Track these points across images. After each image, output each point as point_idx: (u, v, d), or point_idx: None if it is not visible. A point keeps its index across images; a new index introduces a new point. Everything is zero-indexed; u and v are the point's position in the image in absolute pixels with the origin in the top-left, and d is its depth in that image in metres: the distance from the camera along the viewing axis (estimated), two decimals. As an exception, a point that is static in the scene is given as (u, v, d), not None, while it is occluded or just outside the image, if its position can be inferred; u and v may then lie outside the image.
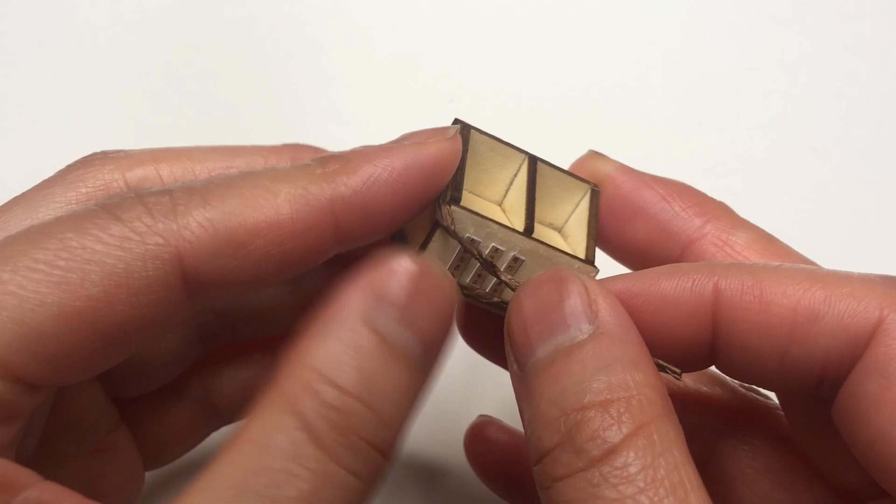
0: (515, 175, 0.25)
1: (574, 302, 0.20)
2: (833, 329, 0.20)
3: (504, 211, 0.25)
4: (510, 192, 0.25)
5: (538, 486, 0.20)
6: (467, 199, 0.24)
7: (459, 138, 0.23)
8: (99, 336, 0.19)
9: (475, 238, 0.23)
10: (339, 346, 0.19)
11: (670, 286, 0.21)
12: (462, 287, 0.23)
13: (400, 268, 0.20)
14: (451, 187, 0.22)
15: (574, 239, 0.25)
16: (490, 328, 0.25)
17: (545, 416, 0.20)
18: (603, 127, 0.43)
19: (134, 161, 0.24)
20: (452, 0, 0.46)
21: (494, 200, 0.25)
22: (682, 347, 0.22)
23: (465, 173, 0.23)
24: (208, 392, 0.29)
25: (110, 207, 0.20)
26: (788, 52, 0.45)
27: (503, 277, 0.23)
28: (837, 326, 0.20)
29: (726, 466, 0.25)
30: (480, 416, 0.30)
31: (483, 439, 0.29)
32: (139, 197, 0.20)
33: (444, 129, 0.23)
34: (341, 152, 0.22)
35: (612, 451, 0.18)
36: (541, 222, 0.25)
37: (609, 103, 0.44)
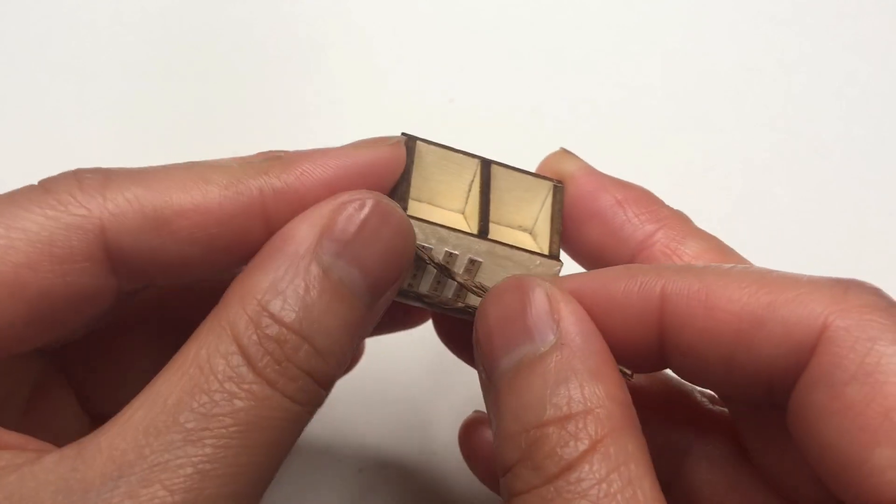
0: (472, 182, 0.25)
1: (536, 311, 0.20)
2: (777, 336, 0.19)
3: (466, 219, 0.25)
4: (470, 199, 0.25)
5: (503, 498, 0.20)
6: (423, 209, 0.24)
7: (401, 147, 0.23)
8: (25, 304, 0.20)
9: (426, 245, 0.23)
10: (282, 277, 0.20)
11: (619, 288, 0.21)
12: (423, 297, 0.23)
13: (351, 204, 0.21)
14: (396, 197, 0.23)
15: (543, 238, 0.25)
16: (462, 329, 0.25)
17: (508, 430, 0.20)
18: (603, 127, 0.43)
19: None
20: (452, 0, 0.46)
21: (456, 209, 0.25)
22: (632, 349, 0.21)
23: (422, 185, 0.24)
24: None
25: (45, 181, 0.21)
26: (788, 52, 0.45)
27: (459, 279, 0.23)
28: (781, 334, 0.19)
29: (694, 486, 0.25)
30: (475, 411, 0.30)
31: (477, 435, 0.29)
32: (75, 173, 0.21)
33: (386, 137, 0.24)
34: (286, 151, 0.23)
35: (567, 467, 0.18)
36: (509, 225, 0.25)
37: (609, 103, 0.44)
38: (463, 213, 0.26)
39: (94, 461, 0.18)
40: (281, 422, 0.19)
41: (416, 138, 0.24)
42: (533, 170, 0.27)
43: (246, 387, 0.19)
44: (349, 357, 0.21)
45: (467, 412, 0.31)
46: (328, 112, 0.43)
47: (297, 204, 0.22)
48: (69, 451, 0.19)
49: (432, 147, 0.25)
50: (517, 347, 0.20)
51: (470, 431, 0.30)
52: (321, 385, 0.20)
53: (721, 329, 0.20)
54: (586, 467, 0.18)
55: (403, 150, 0.24)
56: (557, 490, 0.18)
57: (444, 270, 0.23)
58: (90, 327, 0.27)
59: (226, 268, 0.23)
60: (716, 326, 0.20)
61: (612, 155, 0.43)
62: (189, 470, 0.18)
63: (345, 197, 0.21)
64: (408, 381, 0.36)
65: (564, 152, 0.26)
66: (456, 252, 0.23)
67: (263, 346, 0.19)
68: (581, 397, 0.19)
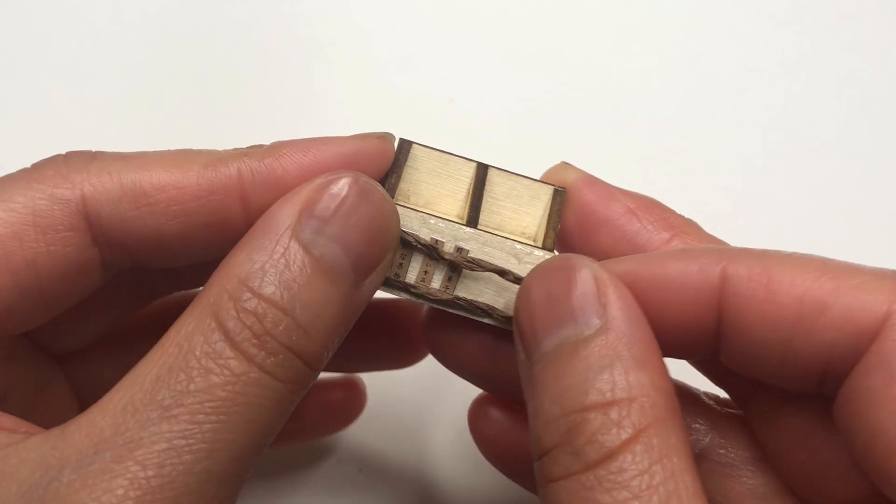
0: (470, 186, 0.25)
1: (583, 293, 0.20)
2: (839, 321, 0.19)
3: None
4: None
5: (537, 483, 0.20)
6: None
7: (388, 141, 0.23)
8: (11, 273, 0.21)
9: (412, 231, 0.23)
10: (264, 256, 0.20)
11: (677, 269, 0.21)
12: (409, 287, 0.23)
13: (329, 182, 0.21)
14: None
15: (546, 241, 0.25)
16: (453, 344, 0.25)
17: (547, 414, 0.19)
18: (603, 127, 0.43)
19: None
20: (452, 0, 0.46)
21: (454, 214, 0.25)
22: (686, 333, 0.21)
23: (420, 190, 0.24)
24: None
25: (36, 163, 0.22)
26: (788, 52, 0.45)
27: (447, 255, 0.23)
28: (844, 319, 0.19)
29: (711, 493, 0.24)
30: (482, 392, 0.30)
31: (487, 415, 0.28)
32: (65, 154, 0.22)
33: (375, 132, 0.24)
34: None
35: (609, 455, 0.18)
36: (511, 232, 0.25)
37: (609, 103, 0.44)
38: (461, 217, 0.26)
39: (73, 439, 0.18)
40: (259, 398, 0.19)
41: (413, 142, 0.24)
42: (533, 175, 0.26)
43: (222, 362, 0.19)
44: (338, 337, 0.21)
45: (466, 412, 0.31)
46: (328, 112, 0.43)
47: (275, 185, 0.22)
48: (54, 431, 0.19)
49: (429, 151, 0.25)
50: (560, 329, 0.20)
51: (479, 411, 0.29)
52: (307, 363, 0.20)
53: (782, 312, 0.20)
54: (629, 457, 0.18)
55: (391, 145, 0.24)
56: (598, 479, 0.18)
57: (431, 249, 0.23)
58: (99, 327, 0.27)
59: (203, 248, 0.23)
60: (777, 310, 0.20)
61: (613, 155, 0.43)
62: (163, 445, 0.18)
63: (323, 177, 0.21)
64: (408, 381, 0.36)
65: (565, 164, 0.26)
66: (443, 240, 0.23)
67: (242, 320, 0.19)
68: (626, 384, 0.19)
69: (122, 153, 0.23)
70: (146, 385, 0.19)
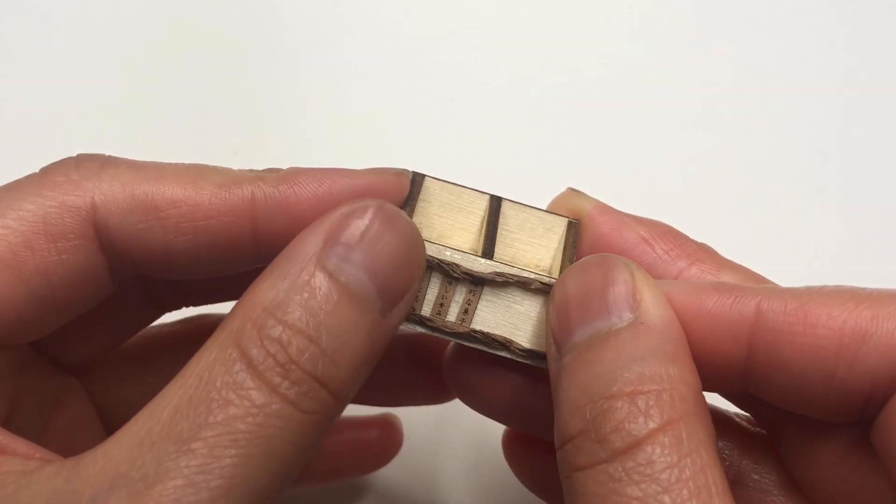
0: (484, 219, 0.25)
1: (618, 289, 0.20)
2: (882, 348, 0.19)
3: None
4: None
5: (560, 472, 0.20)
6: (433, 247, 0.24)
7: (405, 178, 0.23)
8: (24, 283, 0.20)
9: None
10: (288, 283, 0.19)
11: (712, 299, 0.21)
12: (425, 320, 0.23)
13: (354, 210, 0.20)
14: None
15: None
16: (479, 378, 0.25)
17: (573, 401, 0.19)
18: (603, 127, 0.43)
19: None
20: (452, 0, 0.46)
21: (468, 247, 0.25)
22: (715, 363, 0.21)
23: (433, 223, 0.24)
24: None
25: (45, 167, 0.22)
26: (788, 52, 0.45)
27: (462, 272, 0.22)
28: (886, 345, 0.19)
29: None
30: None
31: (522, 438, 0.28)
32: (76, 158, 0.22)
33: (392, 168, 0.24)
34: (294, 167, 0.23)
35: (635, 445, 0.18)
36: (527, 264, 0.25)
37: (609, 103, 0.44)
38: (475, 250, 0.25)
39: (88, 473, 0.18)
40: (282, 431, 0.18)
41: (425, 175, 0.24)
42: (541, 192, 0.26)
43: (243, 392, 0.18)
44: (366, 367, 0.20)
45: (470, 410, 0.31)
46: (328, 112, 0.43)
47: (288, 212, 0.22)
48: (69, 462, 0.19)
49: (441, 184, 0.24)
50: (593, 321, 0.20)
51: (513, 434, 0.29)
52: (332, 393, 0.19)
53: (823, 345, 0.20)
54: (657, 449, 0.18)
55: (407, 181, 0.23)
56: (626, 470, 0.18)
57: (450, 271, 0.23)
58: (108, 338, 0.27)
59: (209, 265, 0.22)
60: (817, 342, 0.20)
61: (612, 155, 0.43)
62: (180, 481, 0.17)
63: (348, 205, 0.21)
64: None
65: (573, 191, 0.25)
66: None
67: (266, 348, 0.19)
68: (655, 375, 0.19)
69: (135, 161, 0.22)
70: (164, 417, 0.18)
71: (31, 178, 0.22)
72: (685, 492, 0.17)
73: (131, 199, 0.21)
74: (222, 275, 0.23)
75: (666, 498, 0.17)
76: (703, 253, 0.24)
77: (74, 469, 0.18)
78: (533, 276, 0.23)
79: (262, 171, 0.23)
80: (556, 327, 0.21)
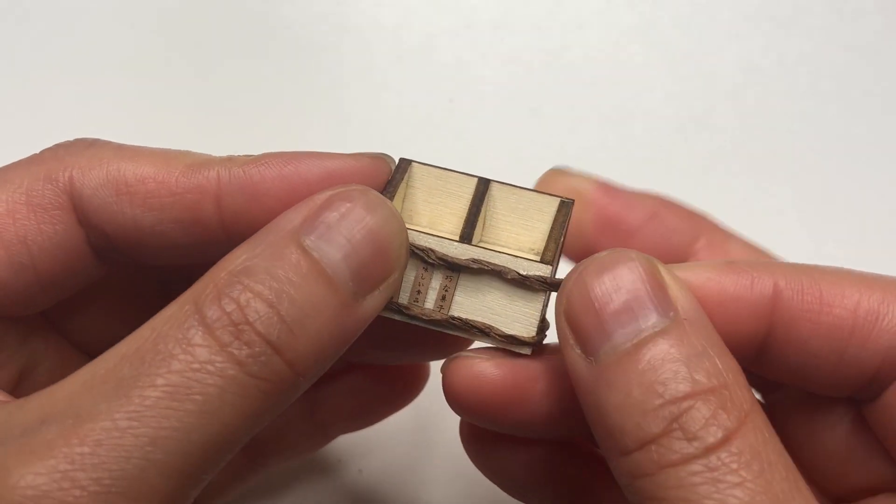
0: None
1: (649, 286, 0.20)
2: (894, 329, 0.21)
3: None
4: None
5: (629, 475, 0.19)
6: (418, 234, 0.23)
7: (383, 162, 0.23)
8: (5, 250, 0.22)
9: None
10: (258, 252, 0.20)
11: (730, 281, 0.21)
12: (402, 308, 0.22)
13: (338, 194, 0.21)
14: None
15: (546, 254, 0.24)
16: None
17: (643, 404, 0.19)
18: (602, 127, 0.43)
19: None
20: (452, 0, 0.46)
21: (454, 233, 0.24)
22: (737, 344, 0.21)
23: (421, 209, 0.24)
24: (313, 408, 0.30)
25: (44, 149, 0.23)
26: (788, 52, 0.45)
27: (436, 258, 0.22)
28: None
29: None
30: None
31: (479, 432, 0.27)
32: (70, 141, 0.23)
33: (371, 152, 0.24)
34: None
35: (727, 440, 0.18)
36: (520, 248, 0.24)
37: (609, 103, 0.44)
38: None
39: (29, 408, 0.18)
40: (222, 391, 0.18)
41: (412, 161, 0.24)
42: (529, 180, 0.26)
43: (189, 348, 0.18)
44: (332, 349, 0.20)
45: (453, 413, 0.31)
46: (328, 112, 0.43)
47: (251, 190, 0.22)
48: (19, 401, 0.19)
49: (428, 168, 0.24)
50: (633, 322, 0.20)
51: (470, 433, 0.28)
52: (289, 364, 0.19)
53: (838, 324, 0.21)
54: (743, 440, 0.18)
55: (385, 166, 0.23)
56: (722, 461, 0.18)
57: (425, 253, 0.22)
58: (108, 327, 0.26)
59: (177, 246, 0.23)
60: (832, 321, 0.21)
61: (612, 155, 0.43)
62: (106, 423, 0.17)
63: (333, 189, 0.21)
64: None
65: (560, 171, 0.25)
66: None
67: (223, 307, 0.19)
68: (720, 370, 0.19)
69: (120, 144, 0.23)
70: (110, 364, 0.18)
71: (26, 158, 0.23)
72: (777, 473, 0.18)
73: (105, 175, 0.22)
74: (197, 260, 0.23)
75: (761, 480, 0.18)
76: (707, 221, 0.25)
77: (19, 405, 0.18)
78: (510, 264, 0.22)
79: (237, 156, 0.23)
80: (585, 331, 0.20)
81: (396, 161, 0.24)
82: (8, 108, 0.42)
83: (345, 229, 0.20)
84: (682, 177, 0.42)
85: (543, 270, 0.22)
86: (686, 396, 0.19)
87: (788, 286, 0.21)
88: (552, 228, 0.24)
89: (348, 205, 0.20)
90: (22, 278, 0.22)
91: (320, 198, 0.21)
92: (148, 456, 0.17)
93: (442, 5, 0.45)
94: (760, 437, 0.19)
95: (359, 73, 0.44)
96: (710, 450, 0.18)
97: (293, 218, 0.20)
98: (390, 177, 0.23)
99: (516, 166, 0.42)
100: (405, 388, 0.32)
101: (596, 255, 0.21)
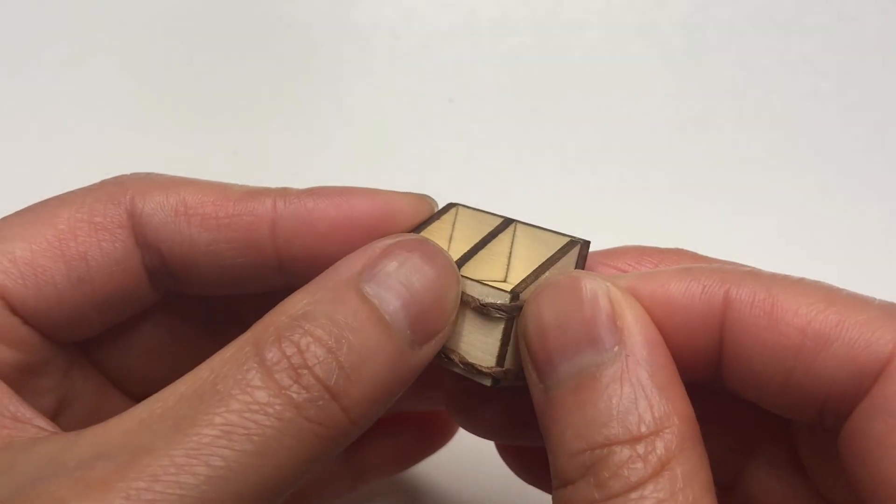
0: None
1: (598, 316, 0.19)
2: (841, 358, 0.19)
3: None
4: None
5: None
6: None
7: (426, 203, 0.24)
8: (65, 263, 0.22)
9: None
10: (319, 297, 0.20)
11: (679, 290, 0.20)
12: None
13: (400, 243, 0.21)
14: None
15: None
16: (474, 404, 0.25)
17: (570, 446, 0.19)
18: (602, 127, 0.43)
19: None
20: (452, 0, 0.46)
21: (497, 279, 0.24)
22: (688, 354, 0.21)
23: (454, 249, 0.24)
24: (352, 454, 0.30)
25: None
26: (788, 52, 0.45)
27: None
28: (846, 356, 0.18)
29: (754, 490, 0.24)
30: None
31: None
32: (127, 173, 0.24)
33: (416, 193, 0.24)
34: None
35: (633, 488, 0.18)
36: (485, 279, 0.24)
37: (608, 102, 0.44)
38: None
39: (84, 442, 0.18)
40: (280, 433, 0.18)
41: (457, 204, 0.24)
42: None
43: (249, 389, 0.18)
44: (386, 396, 0.20)
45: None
46: (328, 112, 0.43)
47: (305, 216, 0.23)
48: (73, 434, 0.19)
49: (471, 211, 0.24)
50: (577, 354, 0.19)
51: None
52: (344, 410, 0.19)
53: (783, 343, 0.19)
54: (650, 486, 0.18)
55: (427, 206, 0.24)
56: None
57: None
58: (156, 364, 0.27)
59: (230, 269, 0.23)
60: (778, 340, 0.19)
61: (611, 155, 0.43)
62: (165, 461, 0.17)
63: (392, 237, 0.21)
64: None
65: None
66: None
67: (283, 350, 0.19)
68: (651, 417, 0.18)
69: (175, 175, 0.24)
70: (169, 403, 0.18)
71: (90, 185, 0.24)
72: None
73: (165, 197, 0.23)
74: (247, 289, 0.24)
75: None
76: (675, 253, 0.24)
77: (73, 439, 0.19)
78: (474, 292, 0.22)
79: (294, 188, 0.24)
80: (536, 357, 0.20)
81: (439, 204, 0.25)
82: (6, 108, 0.42)
83: (404, 278, 0.20)
84: (682, 177, 0.42)
85: (500, 298, 0.21)
86: (607, 443, 0.18)
87: (739, 297, 0.20)
88: (544, 262, 0.23)
89: (407, 254, 0.20)
90: (79, 293, 0.23)
91: (380, 245, 0.21)
92: (204, 495, 0.17)
93: (442, 5, 0.45)
94: (675, 485, 0.18)
95: (359, 73, 0.44)
96: (611, 496, 0.18)
97: (353, 265, 0.20)
98: (429, 217, 0.24)
99: (516, 166, 0.43)
100: (438, 432, 0.32)
101: (558, 277, 0.21)
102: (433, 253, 0.21)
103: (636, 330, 0.19)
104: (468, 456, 0.33)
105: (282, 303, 0.20)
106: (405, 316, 0.20)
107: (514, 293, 0.21)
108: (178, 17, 0.45)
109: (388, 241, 0.21)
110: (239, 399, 0.18)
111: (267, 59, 0.44)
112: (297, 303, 0.20)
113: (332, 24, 0.45)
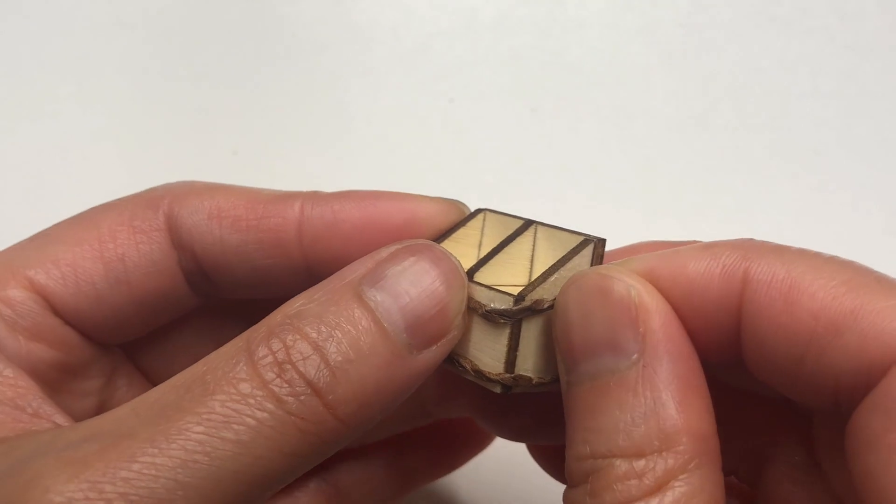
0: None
1: (620, 320, 0.19)
2: (852, 349, 0.18)
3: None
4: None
5: None
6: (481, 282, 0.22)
7: (455, 207, 0.24)
8: (104, 264, 0.23)
9: None
10: (315, 298, 0.20)
11: (698, 269, 0.20)
12: None
13: (406, 249, 0.21)
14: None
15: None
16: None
17: (577, 450, 0.19)
18: (602, 127, 0.43)
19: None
20: (452, 0, 0.46)
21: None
22: (708, 336, 0.20)
23: (490, 262, 0.23)
24: (334, 485, 0.30)
25: None
26: (788, 52, 0.45)
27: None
28: (857, 347, 0.17)
29: (773, 493, 0.23)
30: None
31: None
32: (166, 183, 0.26)
33: (447, 198, 0.25)
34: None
35: (625, 502, 0.18)
36: (501, 284, 0.24)
37: (608, 102, 0.44)
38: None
39: (77, 429, 0.19)
40: (259, 425, 0.18)
41: (485, 210, 0.25)
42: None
43: (234, 381, 0.18)
44: (379, 399, 0.20)
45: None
46: (328, 112, 0.43)
47: (331, 217, 0.24)
48: (75, 424, 0.20)
49: (497, 216, 0.24)
50: (597, 357, 0.19)
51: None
52: (328, 407, 0.19)
53: (797, 327, 0.18)
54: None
55: (458, 212, 0.24)
56: None
57: None
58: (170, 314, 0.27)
59: (258, 270, 0.24)
60: (792, 323, 0.18)
61: (611, 155, 0.43)
62: (144, 444, 0.18)
63: (400, 243, 0.21)
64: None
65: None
66: None
67: (270, 346, 0.19)
68: (657, 434, 0.18)
69: (212, 182, 0.26)
70: (160, 392, 0.19)
71: (132, 194, 0.25)
72: None
73: (200, 202, 0.24)
74: (275, 293, 0.24)
75: None
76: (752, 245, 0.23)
77: (71, 427, 0.19)
78: (483, 298, 0.21)
79: (323, 192, 0.25)
80: (562, 349, 0.20)
81: (470, 209, 0.25)
82: (6, 107, 0.42)
83: (405, 282, 0.20)
84: (682, 177, 0.42)
85: (504, 303, 0.21)
86: (608, 454, 0.18)
87: (758, 275, 0.19)
88: (555, 263, 0.22)
89: (412, 258, 0.20)
90: (118, 293, 0.24)
91: (386, 251, 0.21)
92: (178, 477, 0.17)
93: (442, 5, 0.45)
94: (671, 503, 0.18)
95: (359, 72, 0.44)
96: None
97: (357, 269, 0.20)
98: (456, 223, 0.24)
99: (516, 166, 0.43)
100: (476, 436, 0.32)
101: (589, 271, 0.21)
102: (437, 258, 0.21)
103: (659, 338, 0.19)
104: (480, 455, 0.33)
105: (283, 304, 0.20)
106: (402, 319, 0.20)
107: (519, 297, 0.21)
108: (178, 17, 0.45)
109: (396, 245, 0.21)
110: (224, 390, 0.18)
111: (267, 59, 0.44)
112: (294, 303, 0.20)
113: (333, 24, 0.45)
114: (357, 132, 0.43)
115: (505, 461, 0.31)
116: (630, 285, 0.20)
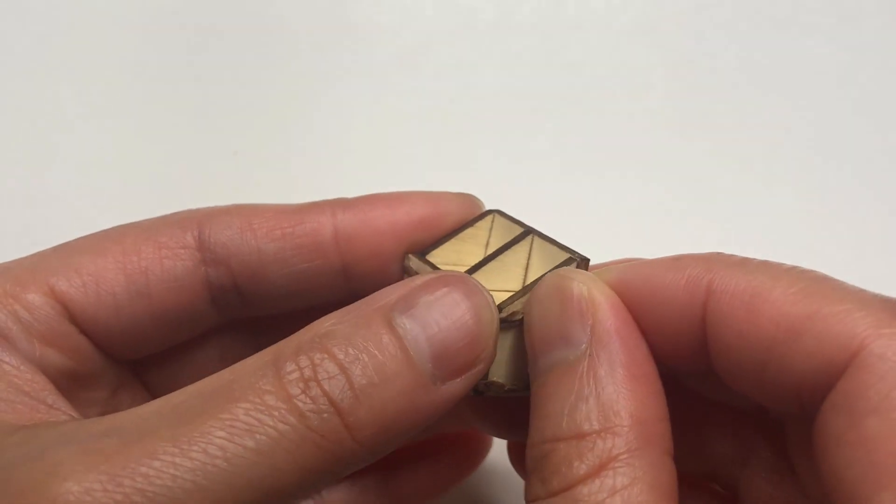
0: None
1: (571, 314, 0.20)
2: (810, 351, 0.18)
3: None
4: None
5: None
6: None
7: (473, 202, 0.26)
8: (125, 277, 0.24)
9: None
10: (345, 320, 0.20)
11: (664, 280, 0.21)
12: None
13: (439, 279, 0.21)
14: (431, 245, 0.25)
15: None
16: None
17: (532, 437, 0.20)
18: (602, 127, 0.43)
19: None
20: (452, 1, 0.46)
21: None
22: (675, 346, 0.21)
23: (485, 267, 0.24)
24: (388, 482, 0.30)
25: None
26: (788, 52, 0.45)
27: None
28: (815, 349, 0.18)
29: (753, 498, 0.24)
30: None
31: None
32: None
33: (467, 194, 0.26)
34: None
35: (569, 487, 0.18)
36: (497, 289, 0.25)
37: (608, 102, 0.44)
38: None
39: (98, 422, 0.19)
40: (280, 436, 0.18)
41: (493, 211, 0.25)
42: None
43: (259, 393, 0.19)
44: (399, 426, 0.20)
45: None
46: (328, 112, 0.43)
47: (364, 217, 0.25)
48: (96, 417, 0.20)
49: (503, 220, 0.25)
50: (553, 350, 0.20)
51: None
52: (348, 428, 0.19)
53: (758, 334, 0.19)
54: (584, 489, 0.18)
55: (475, 206, 0.25)
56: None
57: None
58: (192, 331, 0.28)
59: (297, 278, 0.25)
60: (753, 331, 0.19)
61: (610, 155, 0.43)
62: (165, 442, 0.18)
63: (433, 273, 0.22)
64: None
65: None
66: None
67: (297, 363, 0.19)
68: (597, 415, 0.19)
69: (240, 203, 0.26)
70: (185, 396, 0.19)
71: (167, 214, 0.26)
72: None
73: (230, 218, 0.25)
74: (315, 301, 0.25)
75: None
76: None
77: (93, 420, 0.19)
78: None
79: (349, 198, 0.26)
80: (528, 346, 0.21)
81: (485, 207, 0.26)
82: (6, 108, 0.42)
83: (436, 312, 0.20)
84: (682, 177, 0.42)
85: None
86: (554, 439, 0.19)
87: (721, 286, 0.20)
88: (538, 278, 0.23)
89: (445, 289, 0.21)
90: (138, 305, 0.24)
91: (420, 279, 0.21)
92: (196, 479, 0.18)
93: (442, 5, 0.46)
94: (612, 487, 0.18)
95: (359, 72, 0.44)
96: (550, 494, 0.19)
97: (390, 294, 0.21)
98: (466, 222, 0.25)
99: (516, 166, 0.43)
100: (471, 452, 0.32)
101: (551, 274, 0.22)
102: (470, 291, 0.21)
103: (605, 327, 0.20)
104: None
105: (314, 322, 0.21)
106: (428, 349, 0.20)
107: (498, 308, 0.22)
108: (178, 17, 0.45)
109: (430, 275, 0.21)
110: (249, 399, 0.19)
111: (267, 59, 0.44)
112: (325, 322, 0.20)
113: (332, 23, 0.45)
114: (357, 132, 0.43)
115: (504, 460, 0.31)
116: (582, 282, 0.21)
